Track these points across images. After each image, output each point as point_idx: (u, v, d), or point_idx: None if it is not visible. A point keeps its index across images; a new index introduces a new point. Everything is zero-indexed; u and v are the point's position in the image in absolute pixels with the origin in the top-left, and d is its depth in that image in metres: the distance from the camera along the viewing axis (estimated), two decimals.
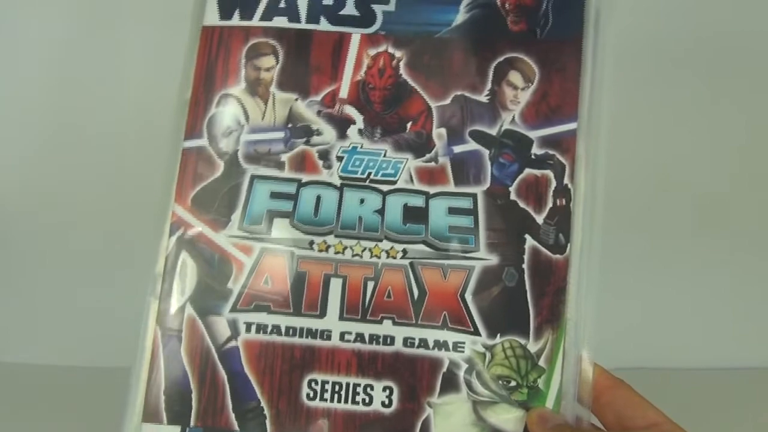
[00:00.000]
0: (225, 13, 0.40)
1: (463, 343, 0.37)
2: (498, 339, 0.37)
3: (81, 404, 0.57)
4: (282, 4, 0.40)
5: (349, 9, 0.40)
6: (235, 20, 0.40)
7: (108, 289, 0.56)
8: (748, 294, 0.66)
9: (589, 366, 0.36)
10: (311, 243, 0.38)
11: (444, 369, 0.37)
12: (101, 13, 0.55)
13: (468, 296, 0.37)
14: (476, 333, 0.37)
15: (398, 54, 0.39)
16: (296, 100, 0.39)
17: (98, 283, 0.60)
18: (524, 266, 0.37)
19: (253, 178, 0.39)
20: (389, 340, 0.37)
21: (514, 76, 0.38)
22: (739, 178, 0.63)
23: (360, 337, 0.37)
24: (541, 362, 0.36)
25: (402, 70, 0.39)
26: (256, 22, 0.40)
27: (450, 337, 0.37)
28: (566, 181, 0.37)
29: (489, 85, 0.39)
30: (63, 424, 0.56)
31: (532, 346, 0.37)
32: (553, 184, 0.37)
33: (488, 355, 0.37)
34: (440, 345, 0.37)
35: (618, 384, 0.36)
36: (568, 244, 0.37)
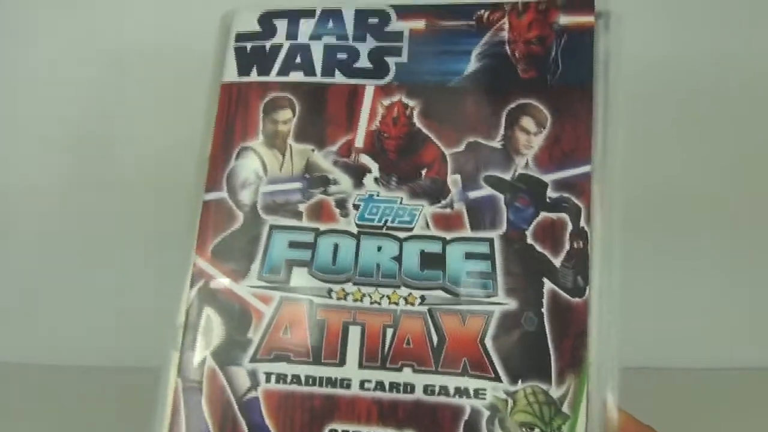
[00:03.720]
0: (243, 70, 0.42)
1: (485, 389, 0.36)
2: (520, 385, 0.36)
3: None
4: (298, 60, 0.42)
5: (363, 62, 0.41)
6: (253, 76, 0.42)
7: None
8: (748, 294, 0.65)
9: (614, 411, 0.35)
10: (330, 291, 0.38)
11: (466, 417, 0.36)
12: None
13: (488, 342, 0.37)
14: (497, 379, 0.36)
15: (411, 103, 0.40)
16: (313, 150, 0.40)
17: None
18: (543, 310, 0.37)
19: (271, 228, 0.39)
20: (409, 388, 0.37)
21: (527, 122, 0.39)
22: (738, 182, 0.64)
23: (380, 385, 0.37)
24: (565, 408, 0.36)
25: (415, 119, 0.40)
26: (273, 77, 0.42)
27: (471, 383, 0.37)
28: (582, 223, 0.37)
29: (502, 131, 0.39)
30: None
31: (555, 392, 0.36)
32: (570, 227, 0.37)
33: (510, 401, 0.36)
34: (461, 392, 0.37)
35: (645, 430, 0.35)
36: (587, 287, 0.37)
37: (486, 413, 0.36)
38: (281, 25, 0.42)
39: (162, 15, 0.56)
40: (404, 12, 0.42)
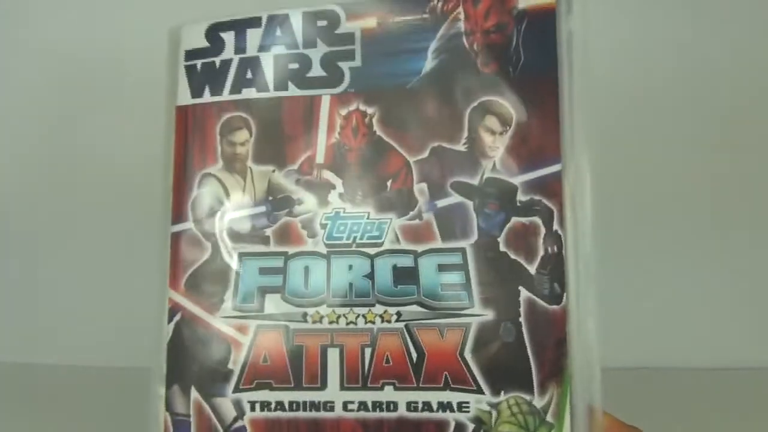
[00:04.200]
0: (196, 91, 0.40)
1: (468, 402, 0.36)
2: (503, 396, 0.36)
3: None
4: (249, 75, 0.40)
5: (316, 70, 0.39)
6: (206, 97, 0.40)
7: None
8: (748, 294, 0.63)
9: (599, 417, 0.35)
10: (305, 315, 0.38)
11: (450, 430, 0.36)
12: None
13: (467, 354, 0.36)
14: (480, 391, 0.36)
15: (370, 110, 0.38)
16: (273, 171, 0.39)
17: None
18: (521, 319, 0.35)
19: (240, 256, 0.39)
20: (392, 406, 0.37)
21: (491, 121, 0.37)
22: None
23: (363, 405, 0.37)
24: (549, 417, 0.35)
25: (376, 127, 0.38)
26: (226, 96, 0.40)
27: (453, 397, 0.36)
28: (555, 227, 0.35)
29: (466, 133, 0.37)
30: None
31: (538, 402, 0.35)
32: (543, 231, 0.36)
33: (494, 413, 0.36)
34: (444, 407, 0.36)
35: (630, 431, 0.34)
36: (564, 294, 0.35)
37: (471, 426, 0.36)
38: (229, 38, 0.40)
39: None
40: (354, 11, 0.39)
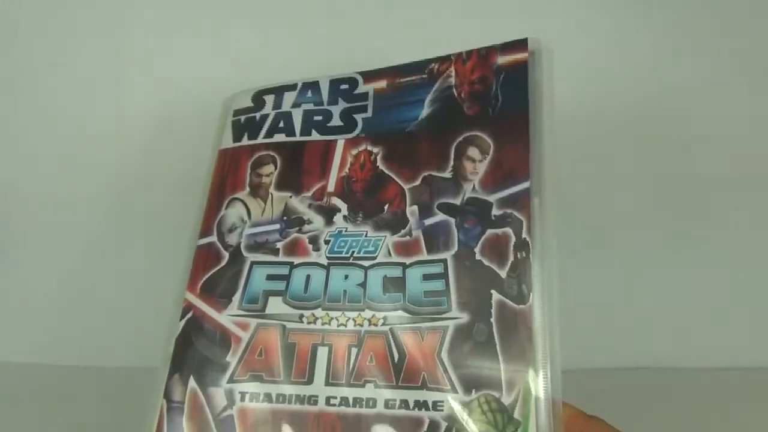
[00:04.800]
0: (237, 137, 0.49)
1: (442, 401, 0.37)
2: (474, 395, 0.37)
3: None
4: (281, 124, 0.48)
5: (335, 121, 0.47)
6: (244, 141, 0.49)
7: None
8: (748, 294, 0.63)
9: (560, 411, 0.35)
10: (301, 316, 0.41)
11: (425, 428, 0.37)
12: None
13: (444, 355, 0.38)
14: (453, 390, 0.37)
15: (375, 150, 0.45)
16: (290, 197, 0.46)
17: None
18: (492, 320, 0.38)
19: (252, 264, 0.44)
20: (372, 402, 0.38)
21: (472, 151, 0.43)
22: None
23: (344, 400, 0.39)
24: (516, 414, 0.36)
25: (379, 163, 0.45)
26: (260, 140, 0.48)
27: (429, 396, 0.38)
28: (524, 235, 0.39)
29: (451, 162, 0.43)
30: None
31: (506, 399, 0.36)
32: (513, 239, 0.40)
33: (466, 411, 0.37)
34: (420, 405, 0.38)
35: (591, 422, 0.34)
36: (531, 294, 0.38)
37: (444, 424, 0.37)
38: (269, 99, 0.50)
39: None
40: (369, 76, 0.48)
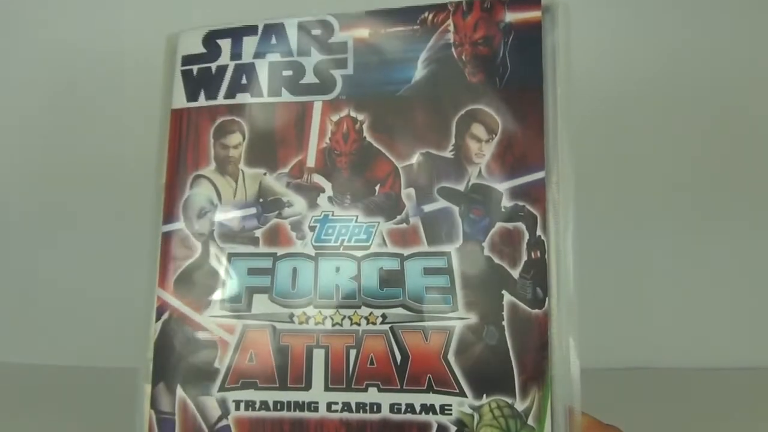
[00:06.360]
0: (191, 95, 0.41)
1: (450, 405, 0.36)
2: (485, 399, 0.36)
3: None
4: (243, 81, 0.41)
5: (309, 77, 0.40)
6: (201, 101, 0.41)
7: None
8: (748, 294, 0.64)
9: (578, 418, 0.35)
10: (291, 316, 0.38)
11: None
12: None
13: (451, 357, 0.37)
14: (462, 394, 0.36)
15: (360, 117, 0.39)
16: (265, 174, 0.40)
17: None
18: (504, 323, 0.36)
19: (230, 256, 0.39)
20: (376, 407, 0.37)
21: (477, 129, 0.38)
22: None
23: (347, 406, 0.37)
24: (530, 421, 0.35)
25: (366, 133, 0.39)
26: (220, 100, 0.41)
27: (436, 400, 0.37)
28: (539, 232, 0.36)
29: (453, 140, 0.38)
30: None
31: (520, 405, 0.36)
32: (526, 236, 0.36)
33: (476, 416, 0.36)
34: (427, 409, 0.37)
35: (609, 430, 0.34)
36: (546, 298, 0.36)
37: (453, 429, 0.36)
38: (225, 45, 0.41)
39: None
40: (347, 22, 0.40)
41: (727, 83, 0.59)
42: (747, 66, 0.60)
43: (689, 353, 0.63)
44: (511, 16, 0.38)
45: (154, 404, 0.39)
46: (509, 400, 0.36)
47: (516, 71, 0.37)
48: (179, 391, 0.38)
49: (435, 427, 0.36)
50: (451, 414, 0.36)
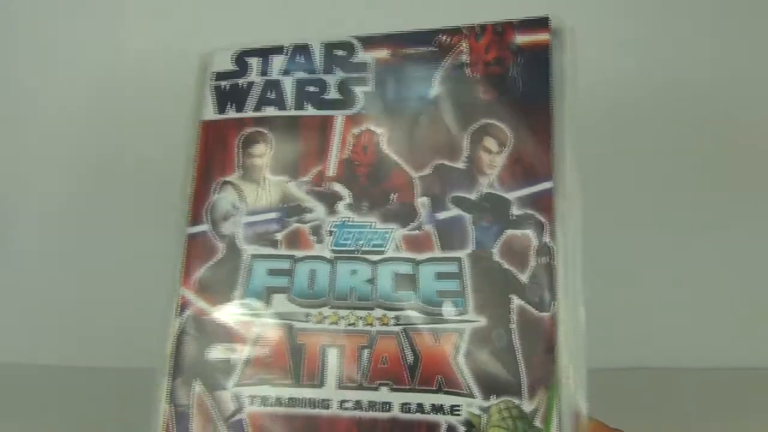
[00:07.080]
0: (220, 108, 0.44)
1: (459, 406, 0.37)
2: (493, 400, 0.37)
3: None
4: (270, 95, 0.44)
5: (332, 93, 0.43)
6: (230, 113, 0.44)
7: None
8: (747, 294, 0.65)
9: (585, 422, 0.36)
10: (307, 315, 0.40)
11: None
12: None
13: (460, 359, 0.38)
14: (471, 395, 0.37)
15: (379, 131, 0.42)
16: (288, 182, 0.42)
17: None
18: (512, 326, 0.38)
19: (251, 257, 0.41)
20: (387, 406, 0.38)
21: (489, 142, 0.40)
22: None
23: (358, 404, 0.38)
24: (537, 422, 0.36)
25: (384, 146, 0.42)
26: (248, 113, 0.44)
27: (446, 400, 0.38)
28: (547, 239, 0.38)
29: (466, 152, 0.40)
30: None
31: (527, 406, 0.37)
32: (534, 243, 0.38)
33: (485, 417, 0.37)
34: (437, 409, 0.38)
35: None
36: (554, 302, 0.37)
37: (461, 429, 0.37)
38: (254, 62, 0.44)
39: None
40: (369, 43, 0.43)
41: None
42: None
43: (691, 353, 0.63)
44: (521, 39, 0.41)
45: (171, 398, 0.40)
46: (517, 402, 0.37)
47: (526, 89, 0.40)
48: (196, 385, 0.40)
49: (444, 427, 0.37)
50: (460, 414, 0.37)
